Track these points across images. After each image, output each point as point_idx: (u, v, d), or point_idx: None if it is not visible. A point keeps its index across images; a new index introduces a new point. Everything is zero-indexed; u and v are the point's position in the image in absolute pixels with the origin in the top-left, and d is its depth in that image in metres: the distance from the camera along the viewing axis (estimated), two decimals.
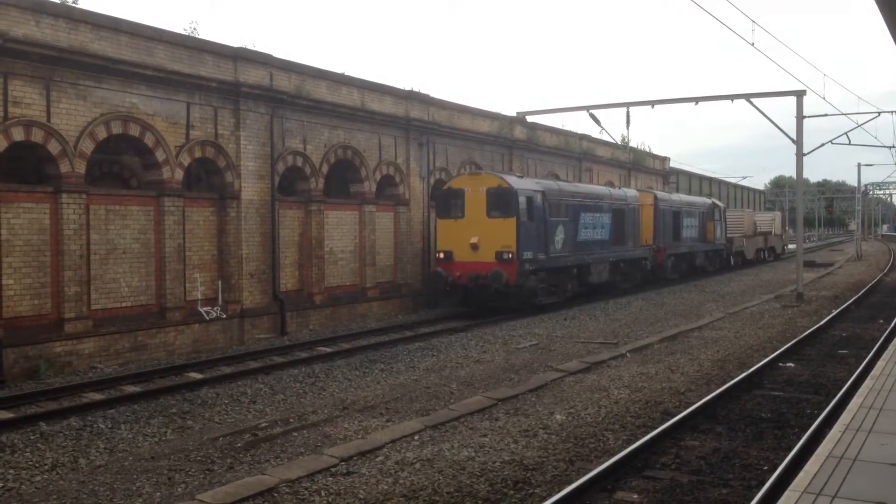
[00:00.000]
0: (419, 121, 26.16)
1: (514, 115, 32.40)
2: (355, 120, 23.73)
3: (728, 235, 42.64)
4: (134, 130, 17.22)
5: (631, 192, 31.16)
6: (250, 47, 20.52)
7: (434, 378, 13.74)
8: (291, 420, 10.85)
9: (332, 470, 8.60)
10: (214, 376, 13.43)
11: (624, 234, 29.23)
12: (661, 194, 34.29)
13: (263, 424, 10.60)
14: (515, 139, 31.80)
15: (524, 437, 9.81)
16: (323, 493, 7.85)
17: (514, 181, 22.45)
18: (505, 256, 21.51)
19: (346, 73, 24.02)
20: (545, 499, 7.55)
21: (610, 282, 28.10)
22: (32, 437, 9.69)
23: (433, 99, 27.25)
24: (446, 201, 23.15)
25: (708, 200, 41.10)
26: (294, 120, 21.56)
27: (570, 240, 24.74)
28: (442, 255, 22.51)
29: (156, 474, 8.48)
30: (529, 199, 22.42)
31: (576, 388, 12.75)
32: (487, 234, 21.91)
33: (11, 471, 8.50)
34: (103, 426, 10.35)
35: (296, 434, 10.08)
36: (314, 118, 22.21)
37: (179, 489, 8.04)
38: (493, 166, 29.38)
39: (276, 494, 7.80)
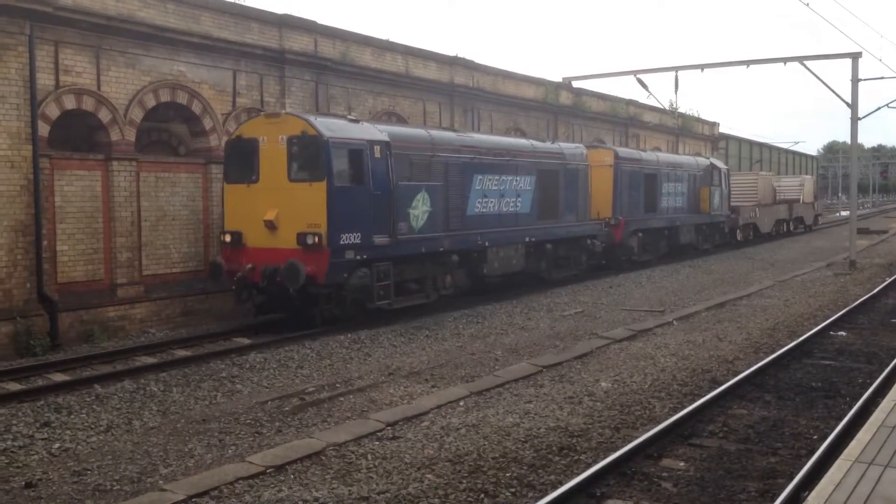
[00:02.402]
0: (463, 87, 25.98)
1: (560, 80, 32.00)
2: (399, 86, 23.63)
3: (733, 204, 35.19)
4: (182, 98, 17.38)
5: (571, 148, 22.89)
6: (295, 14, 20.51)
7: (479, 345, 13.77)
8: (338, 385, 10.98)
9: (379, 434, 8.69)
10: (262, 342, 13.62)
11: (557, 204, 21.31)
12: (623, 151, 26.86)
13: (310, 389, 10.74)
14: (561, 105, 31.43)
15: (569, 404, 9.80)
16: (369, 457, 7.94)
17: (327, 125, 14.41)
18: (309, 241, 13.76)
19: (390, 40, 23.91)
20: (591, 465, 7.55)
21: (530, 270, 20.54)
22: (88, 399, 9.95)
23: (477, 64, 27.02)
24: (237, 158, 15.15)
25: (704, 160, 32.99)
26: (338, 87, 21.55)
27: (445, 213, 17.00)
28: (228, 239, 14.83)
29: (207, 436, 8.66)
30: (355, 154, 14.56)
31: (621, 356, 12.68)
32: (289, 207, 14.20)
33: (68, 431, 8.75)
34: (156, 389, 10.58)
35: (342, 399, 10.20)
36: (358, 85, 22.18)
37: (230, 451, 8.20)
38: (539, 133, 29.04)
39: (323, 457, 7.92)
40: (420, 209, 16.24)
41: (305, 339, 13.83)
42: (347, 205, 14.32)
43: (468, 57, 26.76)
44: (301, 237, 13.97)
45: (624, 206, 25.36)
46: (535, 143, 21.61)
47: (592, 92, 34.77)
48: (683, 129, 43.31)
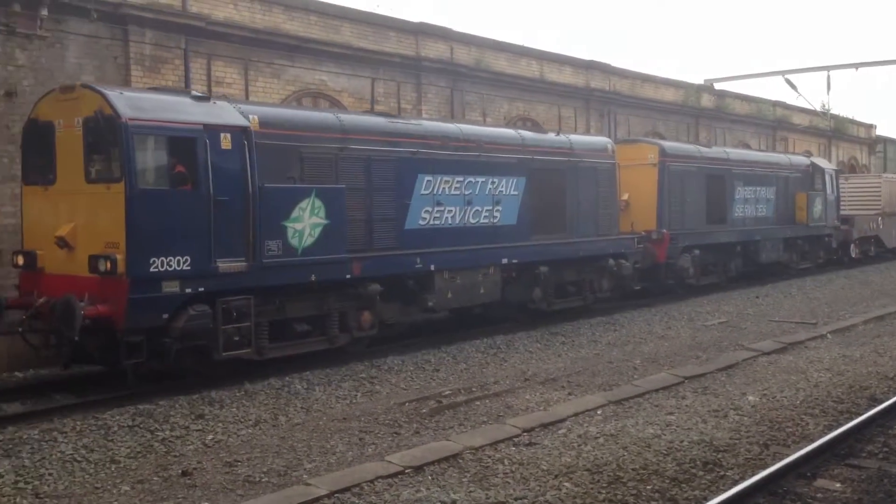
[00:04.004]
0: (600, 91, 25.63)
1: (702, 82, 31.07)
2: (534, 91, 23.57)
3: (845, 213, 28.92)
4: (323, 106, 17.93)
5: (588, 142, 17.95)
6: (431, 22, 20.82)
7: (616, 353, 13.48)
8: (474, 389, 11.00)
9: (515, 440, 8.63)
10: (400, 344, 13.83)
11: (562, 214, 16.50)
12: (673, 146, 21.27)
13: (447, 392, 10.81)
14: (702, 108, 30.48)
15: (713, 418, 9.42)
16: (506, 462, 7.89)
17: (133, 102, 10.31)
18: (101, 267, 9.90)
19: (524, 45, 23.90)
20: (738, 482, 7.22)
21: (513, 300, 15.66)
22: (238, 394, 10.40)
23: (614, 68, 26.61)
24: (34, 149, 11.28)
25: (801, 159, 27.31)
26: (474, 93, 21.69)
27: (366, 227, 12.83)
28: (21, 261, 11.02)
29: (347, 434, 8.85)
30: (180, 144, 10.48)
31: (770, 369, 12.10)
32: (87, 219, 10.41)
33: (220, 424, 9.16)
34: (300, 387, 10.93)
35: (478, 403, 10.21)
36: (493, 90, 22.26)
37: (369, 450, 8.35)
38: (679, 136, 28.23)
39: (460, 460, 7.93)
40: (306, 222, 11.53)
41: (442, 344, 13.94)
42: (163, 217, 10.11)
43: (604, 60, 26.36)
44: (93, 262, 9.92)
45: (673, 216, 19.88)
46: (525, 132, 16.58)
47: (736, 94, 33.58)
48: (836, 131, 41.04)
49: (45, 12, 13.57)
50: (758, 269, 23.97)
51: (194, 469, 7.68)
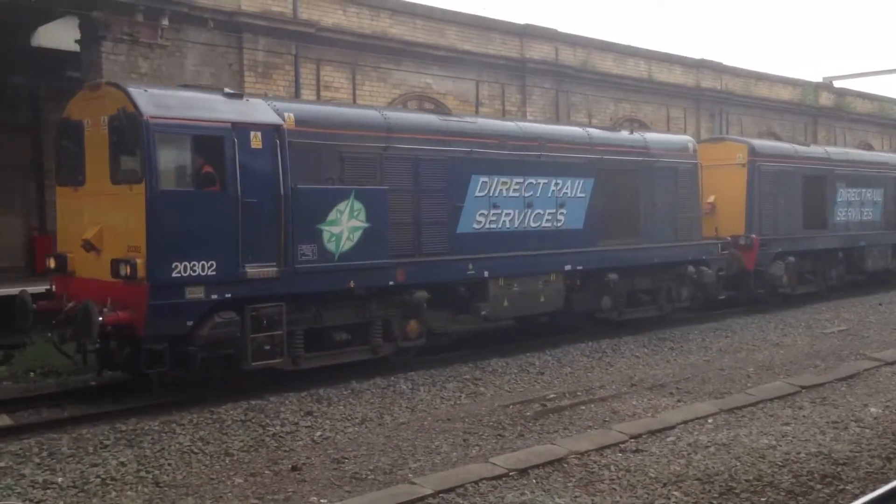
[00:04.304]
0: (711, 90, 24.96)
1: (820, 80, 29.82)
2: (642, 91, 23.17)
3: None
4: (428, 109, 18.09)
5: (666, 141, 16.72)
6: (536, 24, 20.75)
7: (728, 360, 13.05)
8: (579, 393, 10.86)
9: (622, 446, 8.46)
10: (502, 347, 13.79)
11: (635, 217, 15.43)
12: (764, 145, 19.76)
13: (551, 396, 10.70)
14: (820, 107, 29.27)
15: (832, 429, 8.99)
16: (612, 468, 7.75)
17: (155, 100, 9.87)
18: (122, 271, 9.59)
19: (631, 45, 23.51)
20: (858, 496, 6.86)
21: (579, 308, 14.72)
22: (345, 393, 10.58)
23: (726, 67, 25.87)
24: (66, 149, 11.05)
25: None
26: (579, 94, 21.49)
27: (414, 231, 12.09)
28: (52, 264, 10.80)
29: (452, 435, 8.87)
30: (205, 143, 10.01)
31: (894, 380, 11.47)
32: (112, 221, 10.10)
33: (328, 421, 9.34)
34: (404, 387, 11.03)
35: (583, 407, 10.07)
36: (599, 91, 22.00)
37: (473, 451, 8.34)
38: (795, 137, 27.18)
39: (565, 465, 7.83)
40: (344, 225, 10.92)
41: (546, 347, 13.82)
42: (187, 219, 9.69)
43: (715, 59, 25.65)
44: (114, 266, 9.64)
45: (764, 221, 18.38)
46: (594, 130, 15.56)
47: (857, 92, 32.07)
48: None
49: (165, 22, 14.23)
50: (864, 278, 22.21)
51: (303, 464, 7.86)
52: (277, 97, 12.14)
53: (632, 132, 16.22)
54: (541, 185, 13.69)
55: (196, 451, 8.23)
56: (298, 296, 10.64)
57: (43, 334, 11.07)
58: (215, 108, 10.21)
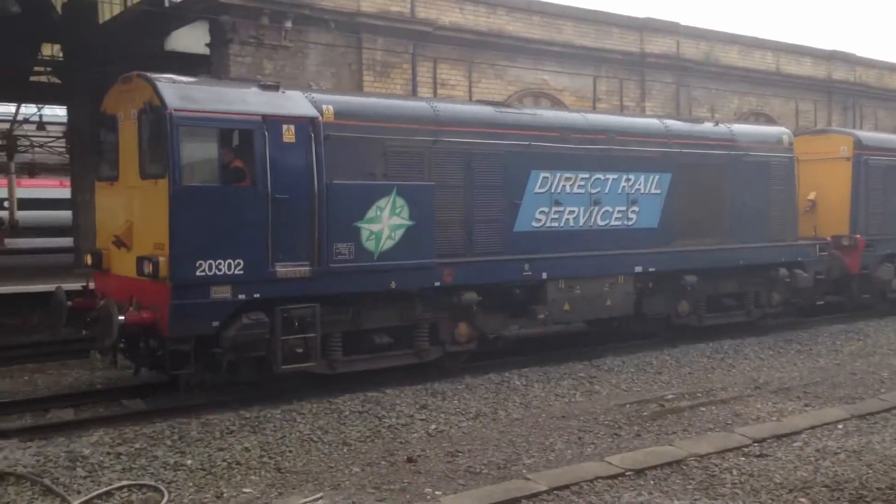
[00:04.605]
0: (843, 83, 23.80)
1: None
2: (768, 85, 22.31)
3: None
4: (545, 106, 17.98)
5: (756, 133, 15.42)
6: (656, 17, 20.30)
7: (860, 364, 12.40)
8: (699, 394, 10.56)
9: (744, 450, 8.17)
10: (619, 345, 13.55)
11: (719, 215, 14.25)
12: (871, 137, 18.07)
13: (669, 396, 10.45)
14: None
15: None
16: (734, 472, 7.49)
17: (181, 92, 9.50)
18: (146, 270, 9.31)
19: (757, 37, 22.67)
20: None
21: (652, 312, 13.51)
22: (459, 388, 10.64)
23: (859, 58, 24.61)
24: (104, 143, 10.90)
25: None
26: (701, 88, 20.89)
27: (464, 229, 11.43)
28: (89, 261, 10.76)
29: (566, 432, 8.79)
30: (232, 137, 9.80)
31: None
32: (142, 217, 9.84)
33: (442, 415, 9.42)
34: (518, 383, 11.00)
35: (703, 409, 9.78)
36: (722, 85, 21.33)
37: (588, 449, 8.23)
38: None
39: (684, 467, 7.62)
40: (385, 223, 10.31)
41: (664, 346, 13.49)
42: (213, 216, 9.30)
43: (848, 50, 24.42)
44: (139, 264, 9.39)
45: (872, 220, 16.82)
46: (672, 122, 14.31)
47: None
48: None
49: (289, 24, 14.69)
50: None
51: (418, 456, 7.95)
52: (319, 89, 11.59)
53: (717, 123, 15.01)
54: (609, 180, 12.75)
55: (315, 439, 8.47)
56: (334, 296, 10.12)
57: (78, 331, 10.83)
58: (246, 100, 9.80)
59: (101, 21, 19.83)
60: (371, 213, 10.20)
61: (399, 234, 10.43)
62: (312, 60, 15.16)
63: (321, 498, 6.79)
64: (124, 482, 7.08)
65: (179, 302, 9.08)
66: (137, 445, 8.06)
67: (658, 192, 13.31)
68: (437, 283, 10.85)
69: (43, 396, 10.49)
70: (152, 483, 7.09)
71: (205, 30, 15.37)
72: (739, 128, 15.13)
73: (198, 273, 9.13)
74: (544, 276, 11.86)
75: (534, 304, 11.92)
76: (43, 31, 20.60)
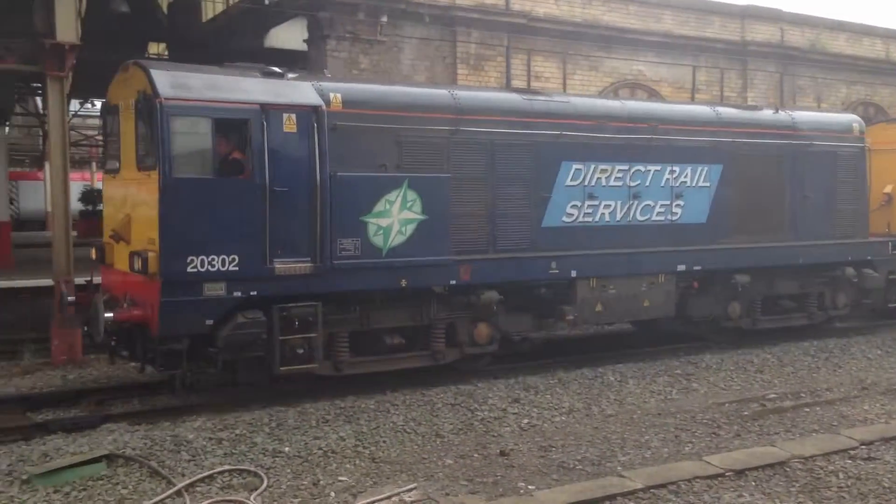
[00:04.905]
0: None
1: None
2: (879, 73, 21.33)
3: None
4: (641, 97, 17.64)
5: (821, 120, 14.21)
6: (758, 4, 19.65)
7: None
8: (802, 394, 10.19)
9: (851, 452, 7.84)
10: (713, 343, 13.17)
11: (778, 209, 13.21)
12: None
13: (771, 395, 10.12)
14: None
15: None
16: (840, 475, 7.21)
17: (175, 80, 9.04)
18: (135, 265, 8.96)
19: (866, 24, 21.70)
20: None
21: (697, 314, 12.63)
22: (551, 382, 10.54)
23: None
24: (108, 134, 10.66)
25: None
26: (806, 77, 20.11)
27: (487, 224, 10.75)
28: (94, 255, 10.51)
29: (662, 430, 8.61)
30: (227, 126, 9.16)
31: None
32: (137, 210, 9.46)
33: (535, 409, 9.36)
34: (612, 379, 10.83)
35: (807, 409, 9.43)
36: (829, 74, 20.49)
37: (686, 448, 8.05)
38: None
39: (787, 469, 7.37)
40: (394, 217, 9.72)
41: (765, 344, 13.06)
42: (205, 210, 8.87)
43: None
44: (131, 259, 9.05)
45: None
46: (724, 108, 13.29)
47: None
48: None
49: (384, 19, 14.83)
50: None
51: (511, 450, 7.92)
52: (326, 76, 10.86)
53: (777, 111, 13.88)
54: (651, 172, 11.84)
55: (409, 430, 8.53)
56: (339, 295, 9.63)
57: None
58: (245, 88, 9.28)
59: (203, 19, 20.49)
60: (379, 207, 9.64)
61: (410, 229, 9.85)
62: (407, 55, 15.27)
63: (415, 488, 6.84)
64: (226, 467, 7.30)
65: (169, 299, 8.68)
66: (238, 431, 8.29)
67: (707, 184, 12.40)
68: (452, 282, 10.26)
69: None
70: (252, 468, 7.29)
71: (303, 26, 15.68)
72: (802, 115, 14.09)
73: (189, 269, 8.71)
74: (573, 274, 11.11)
75: (562, 305, 11.14)
76: (149, 29, 21.42)
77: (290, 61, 16.56)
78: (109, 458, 7.35)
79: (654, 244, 11.81)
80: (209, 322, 8.84)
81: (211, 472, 7.17)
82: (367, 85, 10.84)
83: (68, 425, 8.83)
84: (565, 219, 11.22)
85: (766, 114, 13.59)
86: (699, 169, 12.28)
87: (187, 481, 6.94)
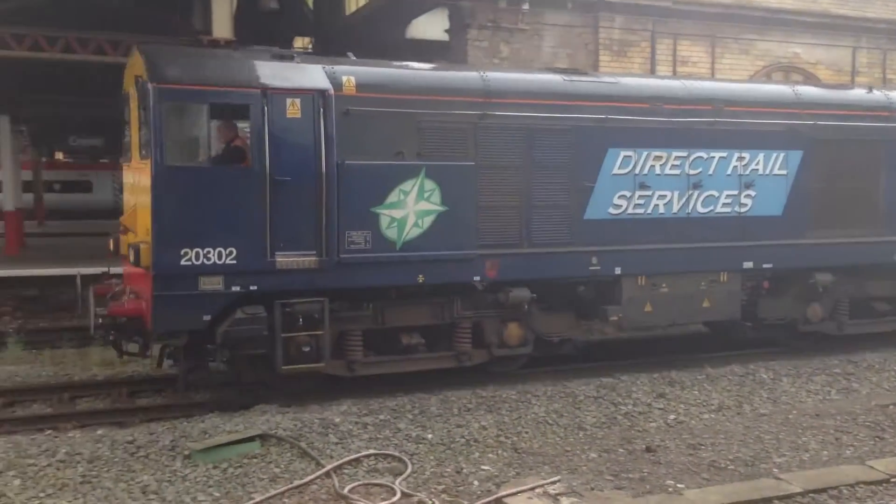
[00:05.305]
0: None
1: None
2: None
3: None
4: (795, 80, 16.75)
5: None
6: None
7: None
8: None
9: None
10: (872, 342, 12.30)
11: (869, 201, 11.78)
12: None
13: None
14: None
15: None
16: None
17: (171, 62, 8.79)
18: (130, 258, 8.78)
19: None
20: None
21: (771, 316, 11.47)
22: (699, 378, 10.15)
23: None
24: (122, 123, 10.09)
25: None
26: None
27: (518, 216, 9.80)
28: (111, 247, 10.35)
29: (821, 432, 8.16)
30: (224, 112, 8.94)
31: None
32: (139, 200, 9.15)
33: (682, 405, 9.05)
34: (765, 376, 10.32)
35: None
36: None
37: (847, 451, 7.61)
38: None
39: None
40: (410, 208, 9.09)
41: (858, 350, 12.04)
42: (201, 200, 8.45)
43: None
44: (128, 251, 8.87)
45: None
46: (804, 87, 11.98)
47: None
48: None
49: (526, 7, 14.71)
50: None
51: (657, 446, 7.71)
52: (342, 59, 9.75)
53: (870, 90, 12.27)
54: (715, 159, 10.68)
55: (551, 422, 8.44)
56: (350, 291, 9.15)
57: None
58: (247, 72, 8.78)
59: (347, 13, 20.99)
60: (393, 198, 9.03)
61: (428, 221, 9.20)
62: (548, 42, 15.08)
63: (559, 481, 6.76)
64: (371, 451, 7.44)
65: (162, 293, 8.33)
66: (382, 417, 8.42)
67: (783, 172, 11.09)
68: (476, 278, 9.57)
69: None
70: (396, 454, 7.41)
71: (444, 16, 15.77)
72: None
73: (183, 262, 8.31)
74: (618, 271, 10.18)
75: (605, 304, 10.28)
76: (296, 24, 22.15)
77: (432, 52, 16.74)
78: (263, 438, 7.65)
79: (717, 239, 10.71)
80: (206, 318, 8.49)
81: (357, 455, 7.33)
82: (383, 67, 9.98)
83: (224, 404, 9.20)
84: (612, 210, 10.23)
85: (858, 93, 12.24)
86: (774, 155, 11.04)
87: (335, 463, 7.13)
